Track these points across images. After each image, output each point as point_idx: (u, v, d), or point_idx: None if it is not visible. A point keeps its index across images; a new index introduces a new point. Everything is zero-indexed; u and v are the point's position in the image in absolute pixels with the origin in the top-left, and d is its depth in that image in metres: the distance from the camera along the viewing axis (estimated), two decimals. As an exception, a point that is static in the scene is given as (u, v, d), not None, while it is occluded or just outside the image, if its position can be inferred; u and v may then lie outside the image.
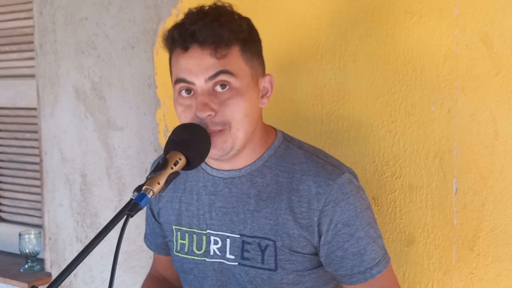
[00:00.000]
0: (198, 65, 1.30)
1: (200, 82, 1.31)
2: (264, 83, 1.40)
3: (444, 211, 1.63)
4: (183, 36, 1.31)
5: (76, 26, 2.44)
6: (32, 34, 2.64)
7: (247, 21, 1.38)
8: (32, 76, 2.70)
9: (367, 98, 1.72)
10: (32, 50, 2.68)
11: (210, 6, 1.35)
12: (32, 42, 2.66)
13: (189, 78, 1.32)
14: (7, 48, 2.89)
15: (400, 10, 1.65)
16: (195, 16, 1.32)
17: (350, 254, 1.36)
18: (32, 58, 2.69)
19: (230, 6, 1.37)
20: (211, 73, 1.30)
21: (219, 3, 1.37)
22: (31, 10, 2.64)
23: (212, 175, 1.46)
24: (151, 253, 2.28)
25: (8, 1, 2.83)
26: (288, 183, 1.39)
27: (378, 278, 1.38)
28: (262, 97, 1.40)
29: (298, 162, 1.40)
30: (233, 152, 1.36)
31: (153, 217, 1.62)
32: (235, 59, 1.32)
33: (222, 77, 1.31)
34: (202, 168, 1.47)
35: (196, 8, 1.35)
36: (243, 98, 1.32)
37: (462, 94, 1.58)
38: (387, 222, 1.71)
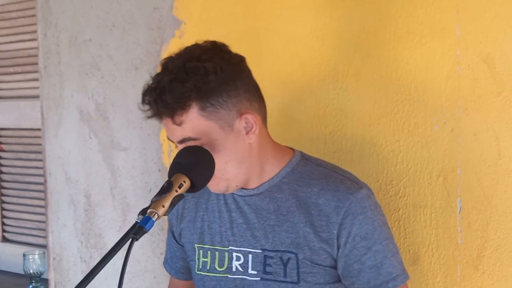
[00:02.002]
0: (169, 130, 1.38)
1: (176, 143, 1.38)
2: (246, 120, 1.37)
3: (448, 230, 1.63)
4: (146, 107, 1.36)
5: (80, 48, 2.46)
6: (36, 56, 2.66)
7: (205, 71, 1.32)
8: (36, 97, 2.72)
9: (370, 118, 1.73)
10: (36, 72, 2.70)
11: (174, 59, 1.35)
12: (36, 64, 2.68)
13: (170, 138, 1.39)
14: (11, 69, 2.92)
15: (402, 30, 1.66)
16: (150, 87, 1.35)
17: (367, 267, 1.38)
18: (36, 80, 2.71)
19: (192, 52, 1.36)
20: (178, 139, 1.36)
21: (183, 55, 1.36)
22: (35, 32, 2.66)
23: (232, 193, 1.47)
24: (155, 273, 2.29)
25: (13, 23, 2.86)
26: (307, 198, 1.40)
27: None
28: (247, 133, 1.38)
29: (317, 178, 1.42)
30: (232, 189, 1.41)
31: (174, 239, 1.63)
32: (194, 121, 1.33)
33: (187, 143, 1.34)
34: None
35: (165, 61, 1.37)
36: (215, 150, 1.34)
37: (465, 113, 1.58)
38: (392, 242, 1.71)
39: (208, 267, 1.50)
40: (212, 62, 1.33)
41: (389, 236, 1.41)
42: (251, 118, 1.38)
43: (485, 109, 1.55)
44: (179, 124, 1.33)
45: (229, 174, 1.38)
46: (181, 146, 1.36)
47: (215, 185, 1.38)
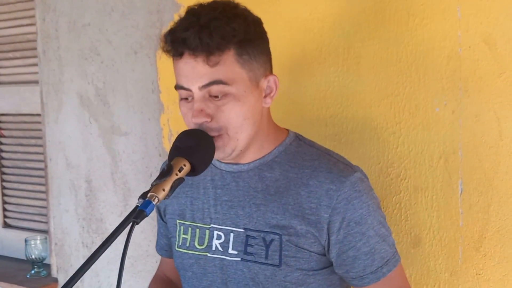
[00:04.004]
0: (193, 72, 1.30)
1: (195, 89, 1.31)
2: (268, 82, 1.38)
3: (449, 212, 1.63)
4: (175, 44, 1.31)
5: (79, 33, 2.45)
6: (35, 41, 2.65)
7: (245, 19, 1.33)
8: (35, 82, 2.71)
9: (371, 100, 1.72)
10: (35, 57, 2.69)
11: (206, 5, 1.33)
12: (35, 49, 2.67)
13: (186, 85, 1.33)
14: (10, 54, 2.90)
15: (402, 12, 1.65)
16: (186, 21, 1.30)
17: (362, 254, 1.36)
18: (35, 65, 2.70)
19: (229, 3, 1.35)
20: (205, 82, 1.30)
21: (217, 2, 1.35)
22: (33, 16, 2.65)
23: (220, 169, 1.46)
24: (157, 257, 2.29)
25: (11, 8, 2.84)
26: (297, 178, 1.38)
27: (390, 277, 1.38)
28: (265, 96, 1.38)
29: (310, 159, 1.40)
30: (235, 153, 1.37)
31: (159, 215, 1.63)
32: (229, 65, 1.30)
33: (215, 87, 1.30)
34: (211, 163, 1.47)
35: (192, 7, 1.34)
36: (240, 103, 1.32)
37: (466, 95, 1.58)
38: (393, 224, 1.71)
39: (187, 244, 1.48)
40: (251, 14, 1.36)
41: (382, 220, 1.39)
42: (274, 80, 1.38)
43: (486, 91, 1.55)
44: (213, 65, 1.29)
45: (243, 133, 1.34)
46: (202, 92, 1.31)
47: (222, 147, 1.33)
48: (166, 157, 2.14)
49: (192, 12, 1.32)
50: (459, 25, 1.57)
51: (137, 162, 2.34)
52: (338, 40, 1.76)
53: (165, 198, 1.21)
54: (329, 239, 1.36)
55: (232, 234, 1.42)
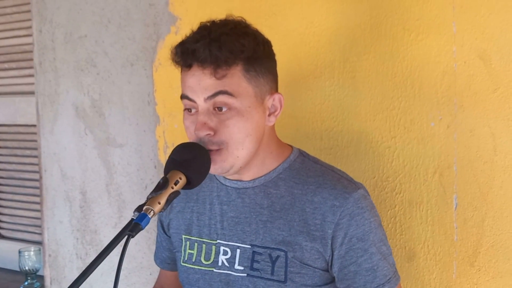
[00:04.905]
0: (199, 84, 1.32)
1: (200, 101, 1.33)
2: (273, 101, 1.40)
3: (444, 227, 1.63)
4: (184, 55, 1.33)
5: (76, 44, 2.45)
6: (31, 52, 2.66)
7: (255, 38, 1.36)
8: (31, 93, 2.71)
9: (366, 114, 1.73)
10: (31, 68, 2.69)
11: (218, 22, 1.36)
12: (31, 60, 2.67)
13: (191, 96, 1.34)
14: (6, 65, 2.91)
15: (398, 27, 1.66)
16: (198, 35, 1.33)
17: (363, 270, 1.36)
18: (31, 76, 2.70)
19: (240, 21, 1.38)
20: (210, 93, 1.31)
21: (229, 18, 1.38)
22: (30, 27, 2.65)
23: (226, 185, 1.46)
24: (151, 269, 2.29)
25: (8, 19, 2.85)
26: (302, 195, 1.39)
27: None
28: (269, 115, 1.39)
29: (314, 175, 1.41)
30: (233, 170, 1.37)
31: (162, 229, 1.62)
32: (236, 79, 1.32)
33: (220, 98, 1.31)
34: (216, 178, 1.48)
35: (205, 23, 1.37)
36: (243, 118, 1.33)
37: (461, 110, 1.58)
38: (388, 238, 1.71)
39: (193, 260, 1.49)
40: (261, 35, 1.39)
41: (383, 238, 1.40)
42: (279, 99, 1.40)
43: (481, 106, 1.55)
44: (220, 78, 1.31)
45: (244, 150, 1.34)
46: (206, 105, 1.32)
47: (220, 162, 1.34)
48: (161, 169, 2.14)
49: (203, 27, 1.35)
50: (454, 41, 1.58)
51: (132, 174, 2.34)
52: (334, 54, 1.77)
53: (160, 211, 1.21)
54: (332, 254, 1.37)
55: (238, 250, 1.42)
